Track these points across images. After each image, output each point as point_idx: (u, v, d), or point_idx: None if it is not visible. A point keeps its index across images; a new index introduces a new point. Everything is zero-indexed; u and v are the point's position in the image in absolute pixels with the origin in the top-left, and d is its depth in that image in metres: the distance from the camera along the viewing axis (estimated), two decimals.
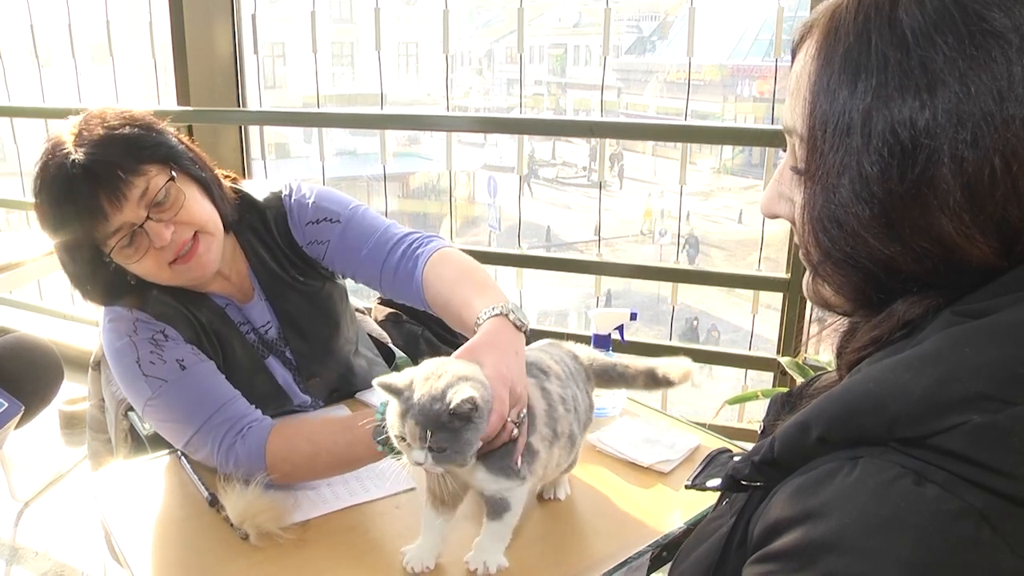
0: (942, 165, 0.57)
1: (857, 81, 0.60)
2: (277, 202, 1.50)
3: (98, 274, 1.34)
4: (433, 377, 0.97)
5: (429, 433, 0.94)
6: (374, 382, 0.99)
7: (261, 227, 1.49)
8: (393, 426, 0.98)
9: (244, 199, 1.48)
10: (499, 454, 1.03)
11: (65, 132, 1.28)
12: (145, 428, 1.47)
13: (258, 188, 1.51)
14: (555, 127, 3.51)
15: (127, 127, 1.30)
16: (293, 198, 1.50)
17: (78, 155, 1.24)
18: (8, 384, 1.38)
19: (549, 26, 33.52)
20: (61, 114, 3.38)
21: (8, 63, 3.53)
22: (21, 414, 1.37)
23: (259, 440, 1.26)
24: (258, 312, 1.50)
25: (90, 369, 1.67)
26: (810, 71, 0.63)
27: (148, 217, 1.27)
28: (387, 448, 1.08)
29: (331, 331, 1.58)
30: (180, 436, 1.30)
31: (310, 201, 1.50)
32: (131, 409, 1.52)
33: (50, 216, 1.28)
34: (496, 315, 1.18)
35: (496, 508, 1.05)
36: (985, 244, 0.58)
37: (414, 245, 1.44)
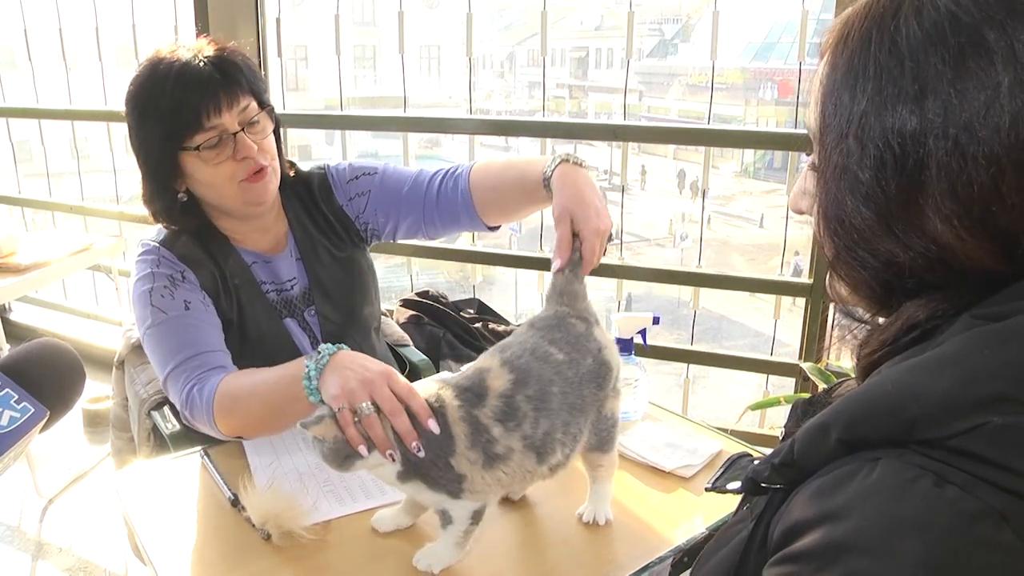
0: (930, 170, 0.59)
1: (856, 87, 0.63)
2: (320, 172, 1.63)
3: (167, 181, 1.42)
4: None
5: None
6: None
7: (305, 194, 1.60)
8: None
9: (293, 166, 1.60)
10: (421, 466, 1.02)
11: (178, 48, 1.39)
12: (167, 427, 1.49)
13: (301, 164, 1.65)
14: (578, 130, 3.47)
15: (242, 57, 1.43)
16: (333, 166, 1.64)
17: (204, 57, 1.37)
18: (33, 389, 1.40)
19: (571, 29, 33.52)
20: (87, 116, 3.49)
21: (37, 66, 3.58)
22: (46, 419, 1.39)
23: (212, 388, 1.30)
24: (286, 267, 1.55)
25: (114, 368, 1.69)
26: (822, 75, 0.66)
27: (241, 130, 1.39)
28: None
29: (358, 298, 1.62)
30: (162, 369, 1.37)
31: (347, 164, 1.65)
32: (154, 408, 1.54)
33: (160, 100, 1.35)
34: (559, 163, 1.33)
35: (442, 519, 1.05)
36: (979, 247, 0.60)
37: (449, 171, 1.57)
